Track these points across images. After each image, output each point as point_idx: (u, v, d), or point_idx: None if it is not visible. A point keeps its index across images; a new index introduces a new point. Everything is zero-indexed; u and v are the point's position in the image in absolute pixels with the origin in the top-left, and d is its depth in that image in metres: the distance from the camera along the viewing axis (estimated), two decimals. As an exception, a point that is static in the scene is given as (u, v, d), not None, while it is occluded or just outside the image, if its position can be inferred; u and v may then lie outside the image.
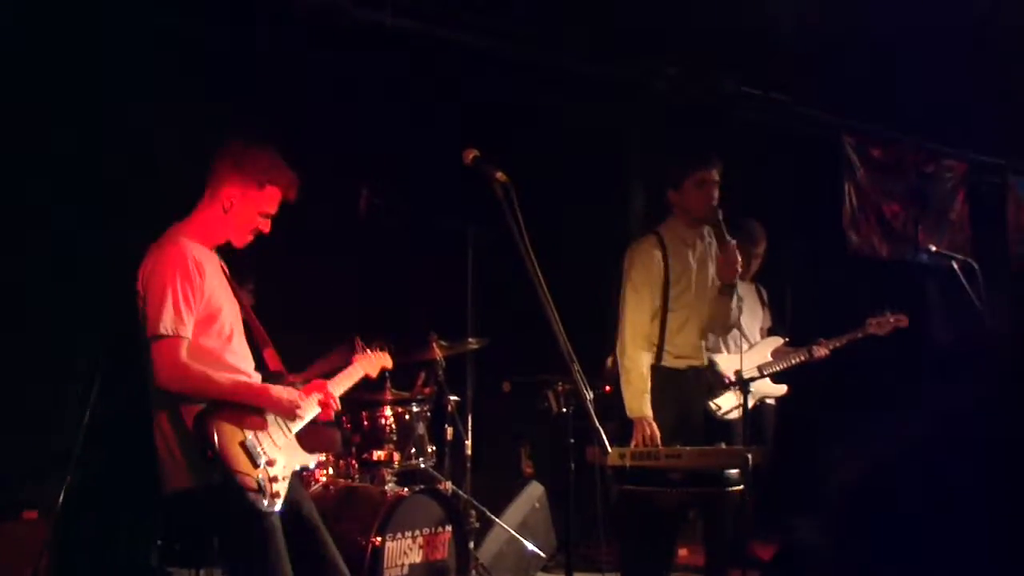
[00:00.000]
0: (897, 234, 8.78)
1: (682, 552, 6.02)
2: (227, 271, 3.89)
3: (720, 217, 4.85)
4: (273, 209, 3.84)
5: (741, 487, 4.34)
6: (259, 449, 3.53)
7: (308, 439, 5.25)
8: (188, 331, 3.55)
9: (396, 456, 5.02)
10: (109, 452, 4.81)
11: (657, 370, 4.87)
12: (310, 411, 3.89)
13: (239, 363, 3.73)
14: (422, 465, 5.13)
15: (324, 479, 4.91)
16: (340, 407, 4.10)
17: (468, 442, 5.43)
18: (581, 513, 5.15)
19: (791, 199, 7.75)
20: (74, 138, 5.06)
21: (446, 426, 5.48)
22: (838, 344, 6.09)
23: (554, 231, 4.62)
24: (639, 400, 4.76)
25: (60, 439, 4.69)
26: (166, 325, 3.51)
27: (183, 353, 3.52)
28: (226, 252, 3.88)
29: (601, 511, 5.00)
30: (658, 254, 4.90)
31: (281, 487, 3.55)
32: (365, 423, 5.05)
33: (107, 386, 4.71)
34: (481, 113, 6.19)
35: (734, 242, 4.86)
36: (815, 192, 8.20)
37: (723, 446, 4.53)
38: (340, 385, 4.17)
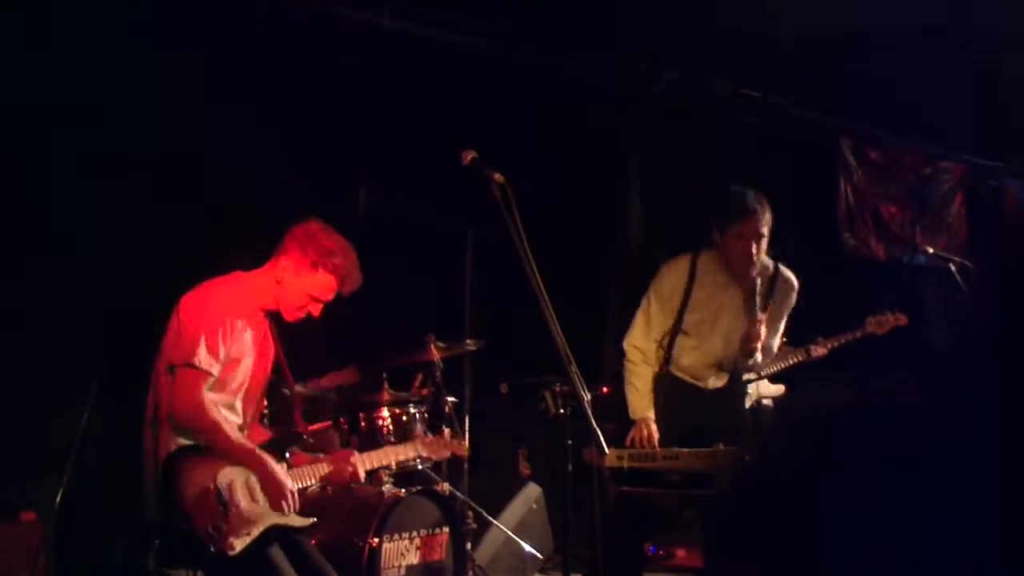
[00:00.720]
0: (894, 236, 8.80)
1: (680, 553, 6.02)
2: (272, 329, 3.95)
3: (756, 277, 4.62)
4: (324, 296, 3.90)
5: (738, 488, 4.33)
6: (230, 498, 3.56)
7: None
8: (216, 371, 3.63)
9: (393, 457, 5.01)
10: (107, 453, 4.81)
11: (664, 377, 4.88)
12: (304, 481, 3.92)
13: (233, 415, 3.80)
14: (419, 466, 5.12)
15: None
16: (363, 480, 4.16)
17: (466, 443, 5.43)
18: (579, 514, 5.15)
19: (788, 201, 7.74)
20: (77, 139, 5.06)
21: (443, 427, 5.47)
22: (836, 344, 6.10)
23: (552, 232, 4.61)
24: (643, 401, 4.78)
25: (58, 440, 4.69)
26: (200, 358, 3.58)
27: (205, 389, 3.60)
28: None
29: (599, 513, 5.00)
30: (684, 278, 4.80)
31: (242, 541, 3.52)
32: (363, 424, 5.05)
33: (105, 387, 4.71)
34: (479, 115, 6.19)
35: (761, 321, 4.64)
36: (812, 194, 8.20)
37: (721, 447, 4.54)
38: (373, 460, 4.21)
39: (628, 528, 4.73)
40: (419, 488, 4.89)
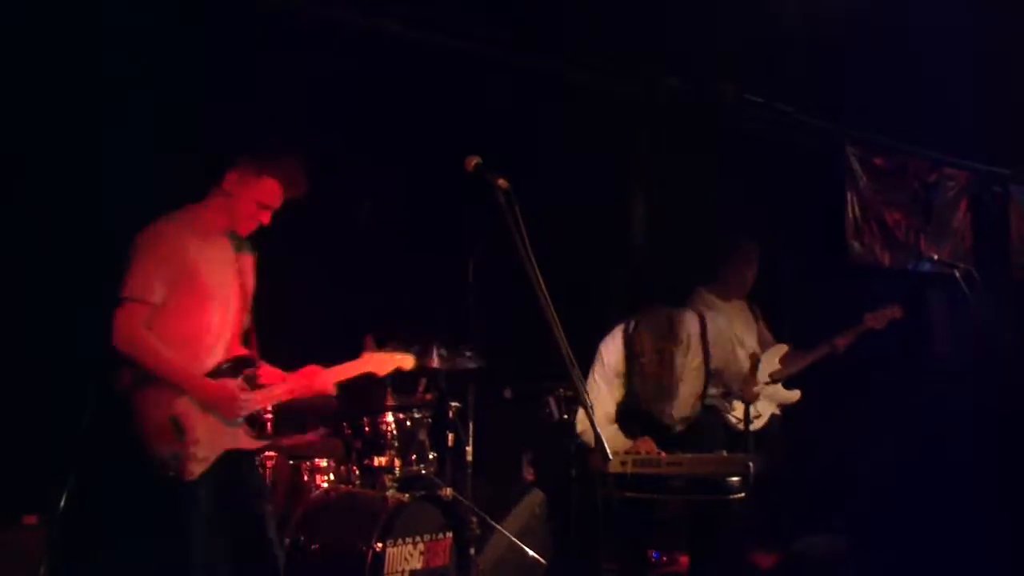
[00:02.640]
0: (899, 243, 8.79)
1: (683, 559, 6.01)
2: (246, 255, 4.02)
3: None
4: (272, 202, 3.95)
5: (742, 495, 4.35)
6: (186, 424, 3.64)
7: (311, 445, 5.29)
8: (157, 298, 3.68)
9: (397, 462, 5.02)
10: (109, 457, 4.81)
11: None
12: (274, 399, 4.04)
13: (210, 342, 3.83)
14: (423, 471, 5.13)
15: (326, 485, 4.92)
16: (334, 392, 4.24)
17: (469, 448, 5.43)
18: (582, 520, 5.15)
19: (793, 208, 7.76)
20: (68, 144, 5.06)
21: (447, 432, 5.48)
22: (852, 337, 6.14)
23: (556, 238, 4.62)
24: None
25: (60, 443, 4.69)
26: (132, 289, 3.66)
27: (142, 318, 3.65)
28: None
29: (602, 518, 5.00)
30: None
31: (200, 465, 3.65)
32: (367, 429, 5.05)
33: (107, 389, 4.72)
34: (483, 121, 6.19)
35: None
36: (817, 201, 8.20)
37: (724, 453, 4.54)
38: (338, 375, 4.25)
39: (632, 534, 4.73)
40: (423, 493, 4.90)
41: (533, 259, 3.38)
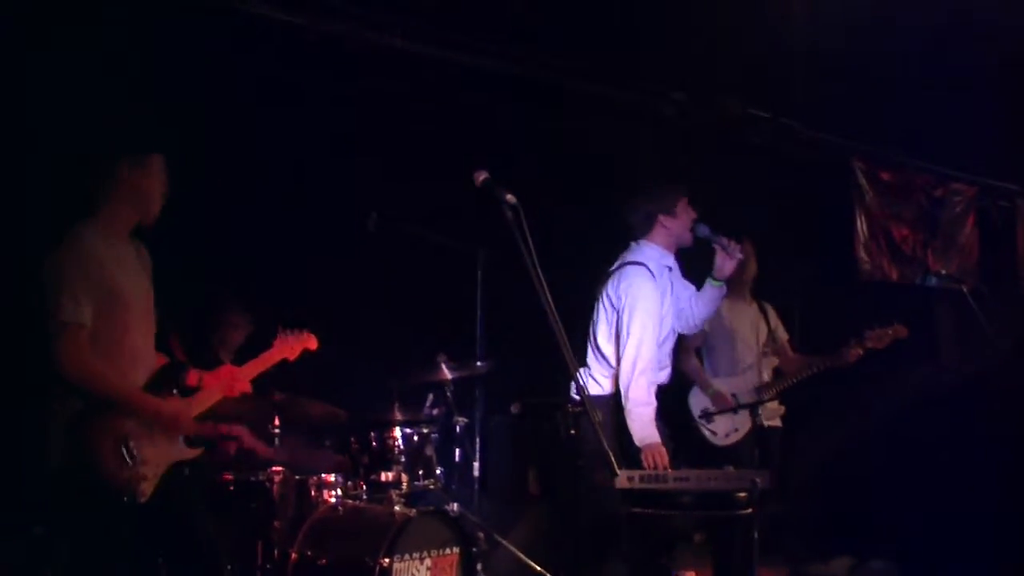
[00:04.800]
0: (907, 257, 8.77)
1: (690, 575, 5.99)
2: (147, 261, 4.00)
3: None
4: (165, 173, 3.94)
5: (749, 510, 4.33)
6: (135, 448, 3.66)
7: (314, 461, 5.29)
8: (87, 318, 3.65)
9: (404, 477, 5.02)
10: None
11: None
12: (203, 406, 4.02)
13: (137, 354, 3.83)
14: (430, 486, 5.12)
15: (333, 499, 4.92)
16: (251, 390, 4.27)
17: (476, 463, 5.43)
18: (589, 535, 5.14)
19: (799, 222, 7.76)
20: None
21: (455, 447, 5.48)
22: (862, 350, 6.12)
23: (563, 252, 4.62)
24: (649, 428, 4.79)
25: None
26: (66, 313, 3.61)
27: (83, 342, 3.64)
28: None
29: (609, 534, 4.99)
30: (654, 286, 4.99)
31: (150, 484, 3.69)
32: (373, 444, 5.06)
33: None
34: (490, 135, 6.21)
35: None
36: (823, 215, 8.20)
37: (731, 469, 4.53)
38: (253, 368, 4.31)
39: (645, 550, 4.71)
40: (430, 508, 4.89)
41: (540, 273, 3.38)
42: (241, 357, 5.53)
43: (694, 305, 5.10)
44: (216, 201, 5.38)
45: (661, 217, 5.04)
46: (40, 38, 4.93)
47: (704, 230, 5.00)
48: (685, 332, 5.29)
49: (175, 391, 3.93)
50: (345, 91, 5.96)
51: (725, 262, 4.98)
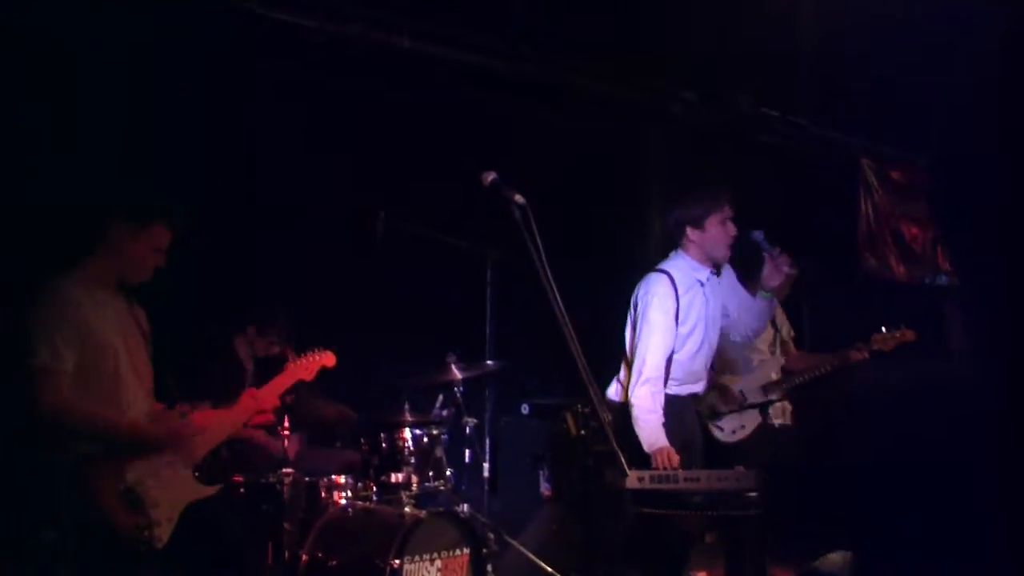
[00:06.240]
0: (916, 256, 8.75)
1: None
2: (137, 308, 4.05)
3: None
4: (164, 244, 3.99)
5: (761, 510, 4.32)
6: (142, 493, 3.62)
7: (325, 461, 5.29)
8: (67, 366, 3.65)
9: (414, 478, 5.01)
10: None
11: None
12: (218, 437, 4.04)
13: (131, 403, 3.83)
14: (440, 488, 5.12)
15: (343, 501, 4.91)
16: (273, 415, 4.33)
17: (486, 464, 5.42)
18: (600, 536, 5.13)
19: (808, 220, 7.74)
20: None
21: (464, 448, 5.47)
22: (870, 351, 6.09)
23: (572, 253, 4.62)
24: (657, 433, 4.78)
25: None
26: (43, 360, 3.61)
27: (61, 385, 3.63)
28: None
29: (620, 534, 4.98)
30: (671, 294, 4.95)
31: (167, 528, 3.64)
32: (383, 445, 5.05)
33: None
34: (499, 135, 6.21)
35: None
36: (832, 213, 8.18)
37: (742, 469, 4.52)
38: (273, 391, 4.34)
39: (657, 551, 4.71)
40: (440, 509, 4.89)
41: (549, 274, 3.38)
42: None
43: (743, 316, 5.05)
44: (218, 202, 5.38)
45: (688, 230, 4.98)
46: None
47: (758, 237, 4.94)
48: (739, 342, 5.27)
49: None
50: (352, 92, 5.97)
51: (773, 273, 4.95)
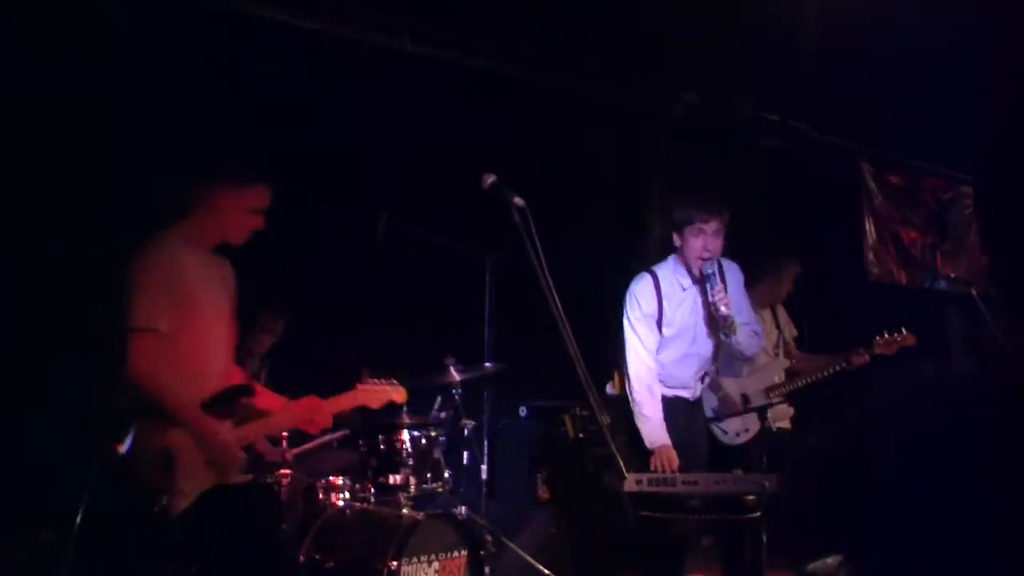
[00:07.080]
0: (915, 261, 8.76)
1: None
2: (230, 277, 4.02)
3: (712, 269, 4.80)
4: (263, 204, 3.96)
5: (758, 514, 4.32)
6: (177, 457, 3.61)
7: (325, 461, 5.29)
8: (162, 324, 3.66)
9: (412, 480, 5.02)
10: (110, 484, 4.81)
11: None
12: (270, 431, 4.08)
13: (210, 365, 3.84)
14: (438, 489, 5.12)
15: (341, 502, 4.92)
16: (330, 426, 4.20)
17: (484, 467, 5.42)
18: (597, 539, 5.13)
19: (808, 225, 7.74)
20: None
21: (463, 450, 5.48)
22: (870, 355, 6.10)
23: (571, 256, 4.62)
24: (658, 431, 4.78)
25: (75, 459, 4.69)
26: (136, 318, 3.62)
27: (154, 349, 3.63)
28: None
29: (617, 537, 4.98)
30: (653, 295, 4.95)
31: (185, 500, 3.62)
32: (382, 447, 5.05)
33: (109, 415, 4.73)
34: (499, 138, 6.21)
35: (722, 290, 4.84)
36: (832, 218, 8.19)
37: (740, 472, 4.52)
38: (335, 405, 4.22)
39: (654, 553, 4.71)
40: (438, 511, 4.89)
41: (549, 277, 3.38)
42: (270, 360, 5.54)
43: (737, 342, 5.01)
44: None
45: (674, 235, 4.96)
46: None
47: (709, 269, 4.86)
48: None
49: (236, 413, 3.88)
50: (353, 93, 5.97)
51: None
